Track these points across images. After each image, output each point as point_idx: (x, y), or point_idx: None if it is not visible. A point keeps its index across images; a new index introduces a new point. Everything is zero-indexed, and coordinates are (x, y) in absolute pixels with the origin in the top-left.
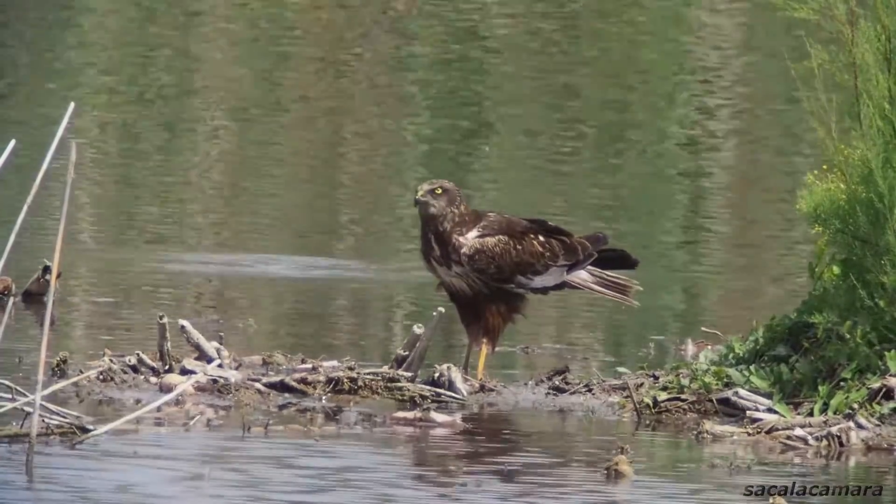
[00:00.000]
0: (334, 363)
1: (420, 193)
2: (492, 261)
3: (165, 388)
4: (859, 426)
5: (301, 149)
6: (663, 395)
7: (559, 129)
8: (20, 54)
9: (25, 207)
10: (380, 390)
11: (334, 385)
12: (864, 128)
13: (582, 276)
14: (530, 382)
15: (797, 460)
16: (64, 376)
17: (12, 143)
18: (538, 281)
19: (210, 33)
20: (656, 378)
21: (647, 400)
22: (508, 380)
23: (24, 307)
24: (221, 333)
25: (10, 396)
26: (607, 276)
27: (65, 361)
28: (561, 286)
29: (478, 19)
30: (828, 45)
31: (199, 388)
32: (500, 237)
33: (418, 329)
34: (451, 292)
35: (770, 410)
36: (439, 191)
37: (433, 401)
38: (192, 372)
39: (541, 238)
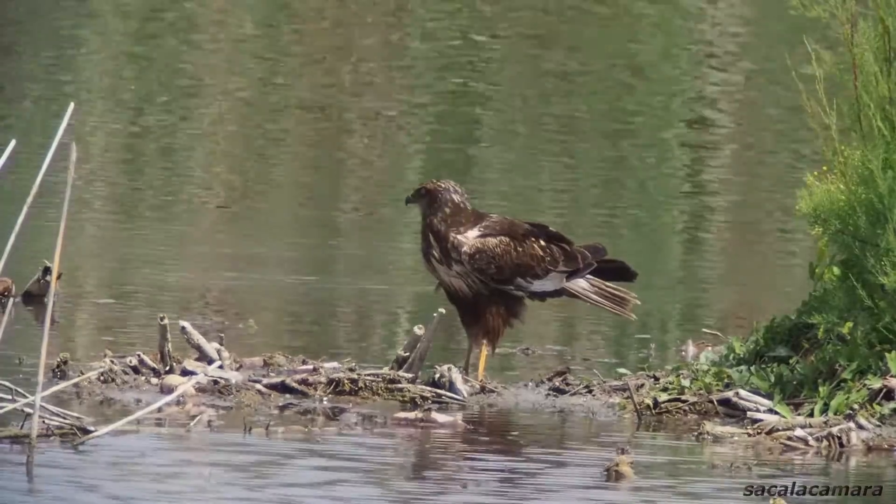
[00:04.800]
0: (335, 364)
1: (410, 194)
2: (492, 261)
3: (166, 389)
4: (860, 427)
5: (303, 149)
6: (664, 396)
7: (558, 132)
8: (22, 55)
9: (25, 208)
10: (380, 391)
11: (335, 386)
12: (865, 128)
13: (581, 284)
14: (531, 384)
15: (797, 461)
16: (64, 377)
17: (12, 143)
18: (537, 285)
19: (211, 30)
20: (657, 379)
21: (648, 401)
22: (509, 381)
23: (24, 308)
24: (222, 334)
25: (10, 398)
26: (606, 286)
27: (65, 362)
28: (560, 293)
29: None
30: (835, 46)
31: (200, 389)
32: (502, 238)
33: (419, 330)
34: (450, 293)
35: (771, 411)
36: (423, 192)
37: (434, 402)
38: (192, 373)
39: (542, 242)
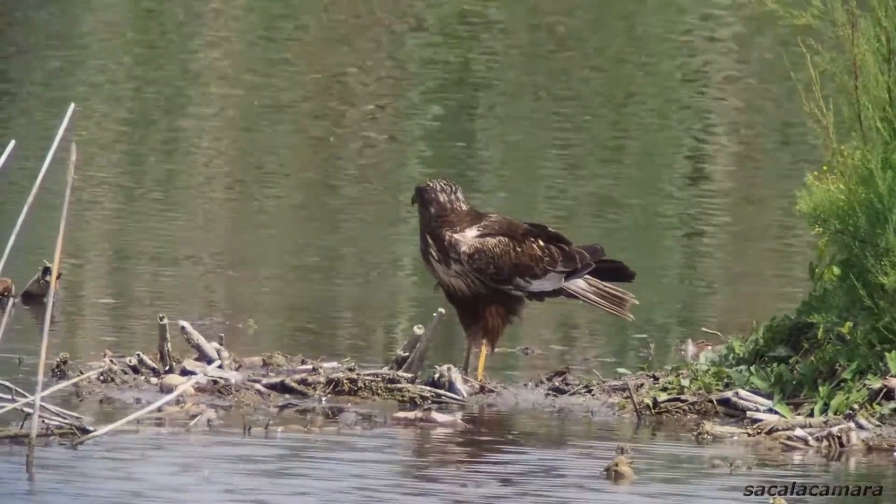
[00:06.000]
0: (334, 364)
1: (413, 194)
2: (491, 261)
3: (166, 389)
4: (860, 427)
5: (303, 148)
6: (663, 396)
7: (557, 131)
8: (24, 54)
9: (25, 208)
10: (380, 391)
11: (334, 386)
12: (864, 129)
13: (580, 284)
14: (530, 383)
15: (797, 461)
16: (64, 377)
17: (12, 143)
18: (536, 285)
19: (211, 37)
20: (656, 379)
21: (647, 401)
22: (508, 381)
23: (24, 308)
24: (222, 334)
25: (9, 397)
26: (604, 287)
27: (65, 362)
28: (558, 293)
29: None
30: (830, 48)
31: (200, 389)
32: (501, 238)
33: (418, 330)
34: (449, 293)
35: (770, 411)
36: (417, 191)
37: (433, 401)
38: (192, 373)
39: (540, 242)
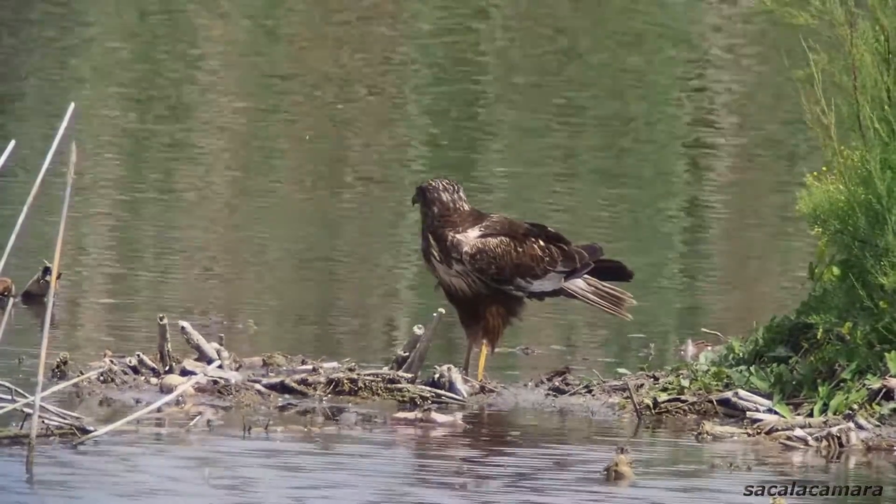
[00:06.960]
0: (334, 364)
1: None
2: (493, 261)
3: (166, 389)
4: (859, 427)
5: (303, 146)
6: (663, 396)
7: (558, 132)
8: (24, 54)
9: (25, 208)
10: (380, 391)
11: (334, 386)
12: (863, 129)
13: (579, 284)
14: (530, 383)
15: (797, 461)
16: (64, 377)
17: (12, 143)
18: (536, 285)
19: (211, 29)
20: (656, 379)
21: (648, 401)
22: (509, 381)
23: (24, 308)
24: (222, 334)
25: (9, 398)
26: (603, 286)
27: (65, 362)
28: (558, 293)
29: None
30: (828, 48)
31: (200, 389)
32: (502, 238)
33: (418, 330)
34: (449, 293)
35: (770, 411)
36: (418, 191)
37: (433, 402)
38: (192, 373)
39: (541, 242)
